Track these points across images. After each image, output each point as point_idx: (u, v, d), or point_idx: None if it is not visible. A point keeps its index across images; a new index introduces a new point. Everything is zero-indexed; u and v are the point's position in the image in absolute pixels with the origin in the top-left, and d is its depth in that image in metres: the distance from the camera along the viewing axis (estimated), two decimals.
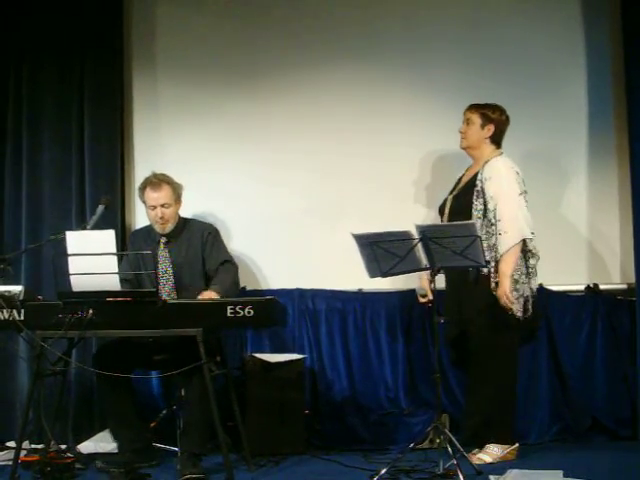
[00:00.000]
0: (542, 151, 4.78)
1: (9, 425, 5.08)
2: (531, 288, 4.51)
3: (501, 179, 4.46)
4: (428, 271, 4.34)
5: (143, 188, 4.78)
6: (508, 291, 4.35)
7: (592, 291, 5.11)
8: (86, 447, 4.80)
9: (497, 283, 4.40)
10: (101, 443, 4.76)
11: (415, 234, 4.11)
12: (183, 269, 4.74)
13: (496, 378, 4.47)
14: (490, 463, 4.35)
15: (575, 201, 5.18)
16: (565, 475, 3.99)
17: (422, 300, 4.66)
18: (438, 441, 4.36)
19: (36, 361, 4.15)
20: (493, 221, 4.44)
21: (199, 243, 4.77)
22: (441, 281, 4.50)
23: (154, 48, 5.45)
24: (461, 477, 3.92)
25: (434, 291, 4.25)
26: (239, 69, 5.38)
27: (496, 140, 4.63)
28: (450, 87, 5.22)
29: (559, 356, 5.04)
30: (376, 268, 4.23)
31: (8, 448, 4.77)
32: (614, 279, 5.15)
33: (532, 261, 4.49)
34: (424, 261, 4.19)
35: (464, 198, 4.55)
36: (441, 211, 4.71)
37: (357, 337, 5.20)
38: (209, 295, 4.45)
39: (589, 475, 3.97)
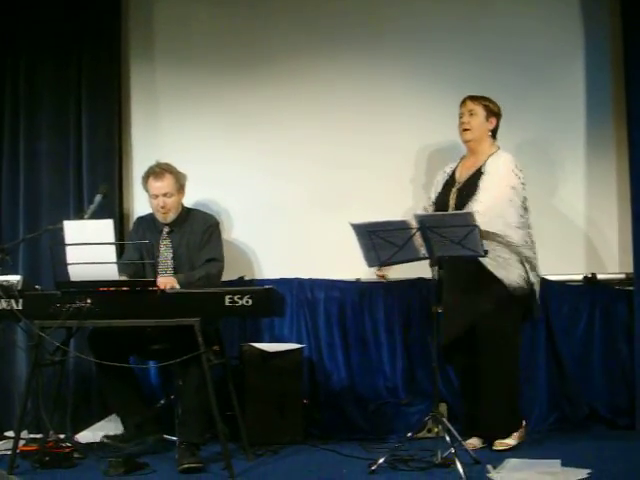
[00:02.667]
0: (541, 141, 4.77)
1: (7, 415, 5.07)
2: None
3: (498, 171, 4.43)
4: None
5: (146, 177, 4.78)
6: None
7: (590, 281, 5.11)
8: (85, 437, 4.81)
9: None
10: (100, 432, 4.76)
11: (413, 223, 4.11)
12: (183, 259, 4.74)
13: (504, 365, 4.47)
14: (514, 446, 4.39)
15: (573, 191, 5.17)
16: (563, 464, 4.00)
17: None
18: (436, 430, 4.36)
19: (34, 351, 4.15)
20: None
21: (200, 234, 4.77)
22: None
23: (152, 38, 5.43)
24: (459, 466, 3.93)
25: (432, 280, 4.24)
26: (238, 59, 5.37)
27: (494, 134, 4.60)
28: (451, 77, 5.20)
29: (557, 346, 5.04)
30: (374, 257, 4.22)
31: (7, 438, 4.77)
32: (612, 269, 5.15)
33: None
34: (422, 250, 4.18)
35: (468, 192, 4.45)
36: (440, 205, 4.55)
37: (355, 327, 5.20)
38: (168, 280, 4.44)
39: (587, 464, 3.98)
